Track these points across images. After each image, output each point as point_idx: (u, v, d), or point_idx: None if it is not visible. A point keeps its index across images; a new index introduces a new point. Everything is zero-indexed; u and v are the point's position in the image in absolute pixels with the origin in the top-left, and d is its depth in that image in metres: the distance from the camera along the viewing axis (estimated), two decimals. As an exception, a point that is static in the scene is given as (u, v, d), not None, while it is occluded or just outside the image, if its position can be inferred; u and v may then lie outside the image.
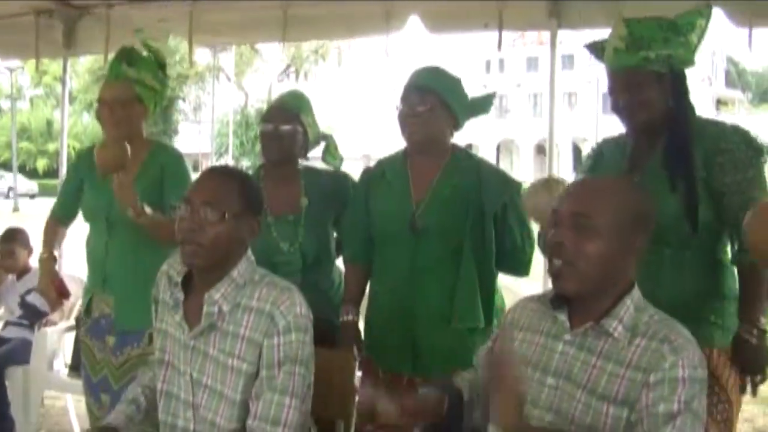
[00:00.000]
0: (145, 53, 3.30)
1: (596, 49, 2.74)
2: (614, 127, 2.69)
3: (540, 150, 44.26)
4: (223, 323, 2.11)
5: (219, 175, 2.23)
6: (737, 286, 2.51)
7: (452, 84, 2.90)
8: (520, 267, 2.99)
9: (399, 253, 2.88)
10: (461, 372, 2.16)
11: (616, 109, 2.58)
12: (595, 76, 43.70)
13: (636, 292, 1.86)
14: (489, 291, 2.90)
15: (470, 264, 2.82)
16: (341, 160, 3.39)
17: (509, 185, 2.89)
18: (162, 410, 2.22)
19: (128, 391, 2.37)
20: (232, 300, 2.12)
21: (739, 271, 2.52)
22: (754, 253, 1.87)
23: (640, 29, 2.54)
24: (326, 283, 3.22)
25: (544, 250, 2.02)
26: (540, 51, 46.47)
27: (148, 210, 2.95)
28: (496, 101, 3.02)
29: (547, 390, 1.84)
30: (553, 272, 1.85)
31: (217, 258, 2.11)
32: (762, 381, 2.48)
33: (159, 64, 3.33)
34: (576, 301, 1.86)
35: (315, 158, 3.34)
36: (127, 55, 3.26)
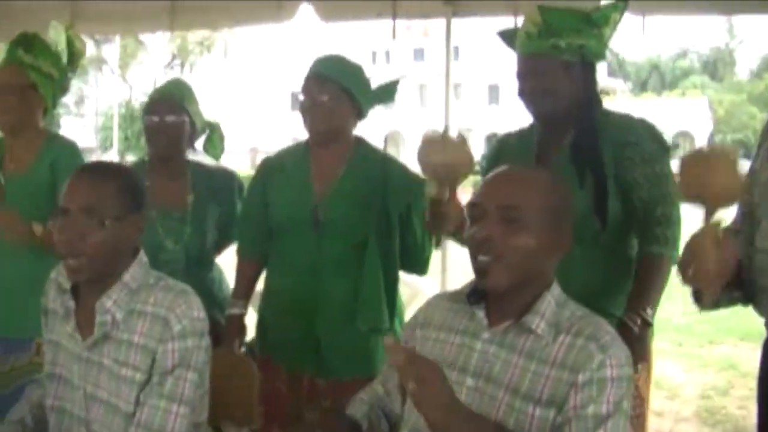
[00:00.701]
0: (59, 40, 3.10)
1: (508, 36, 2.70)
2: (500, 118, 2.66)
3: (427, 140, 44.66)
4: (117, 331, 1.96)
5: (93, 176, 2.03)
6: None
7: (354, 72, 2.80)
8: (419, 265, 2.93)
9: (300, 248, 2.79)
10: (359, 394, 2.04)
11: (522, 95, 2.55)
12: (481, 67, 44.82)
13: (556, 288, 1.80)
14: (393, 290, 2.83)
15: (375, 261, 2.75)
16: (222, 151, 3.29)
17: (414, 183, 2.81)
18: (53, 428, 2.05)
19: (14, 411, 2.18)
20: (126, 306, 1.97)
21: (638, 260, 2.50)
22: (689, 193, 1.86)
23: (554, 17, 2.51)
24: (208, 281, 3.11)
25: (462, 242, 1.96)
26: (426, 42, 46.96)
27: (37, 229, 2.81)
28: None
29: (466, 391, 1.74)
30: (479, 268, 1.76)
31: (104, 266, 1.95)
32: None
33: (71, 54, 3.13)
34: (495, 297, 1.78)
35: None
36: (26, 41, 3.04)
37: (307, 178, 2.81)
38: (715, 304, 1.95)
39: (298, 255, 2.79)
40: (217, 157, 3.29)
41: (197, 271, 3.02)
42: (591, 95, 2.55)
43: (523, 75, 2.54)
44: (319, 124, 2.76)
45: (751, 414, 5.21)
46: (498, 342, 1.75)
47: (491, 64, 43.64)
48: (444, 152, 2.41)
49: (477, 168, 2.60)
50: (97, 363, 1.97)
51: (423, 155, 2.45)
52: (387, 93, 2.89)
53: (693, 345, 6.99)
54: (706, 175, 1.79)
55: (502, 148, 2.77)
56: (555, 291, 1.79)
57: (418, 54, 48.86)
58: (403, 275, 2.91)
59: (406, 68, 47.56)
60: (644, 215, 2.46)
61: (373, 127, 3.07)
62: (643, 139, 2.49)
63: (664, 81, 65.34)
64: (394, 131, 46.26)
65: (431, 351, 1.83)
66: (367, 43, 44.61)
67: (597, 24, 2.52)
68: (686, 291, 2.23)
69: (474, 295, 1.82)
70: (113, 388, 1.95)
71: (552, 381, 1.66)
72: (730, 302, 1.97)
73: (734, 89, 57.19)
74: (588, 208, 2.42)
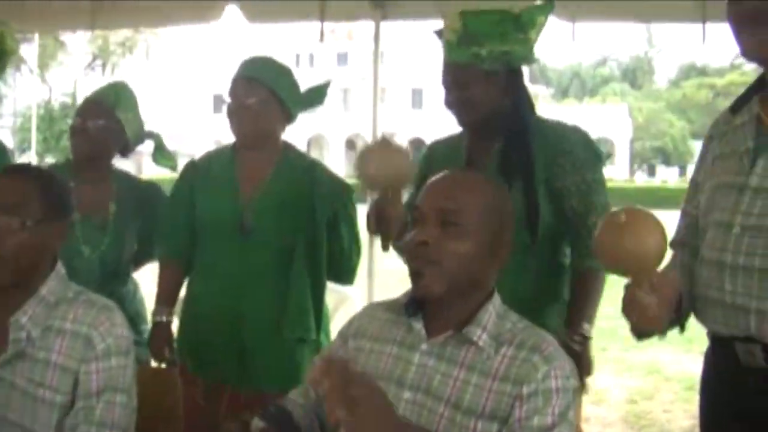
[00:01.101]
0: None
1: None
2: (424, 122, 2.61)
3: (350, 145, 44.74)
4: (33, 349, 1.84)
5: (15, 176, 1.93)
6: None
7: (283, 75, 2.73)
8: (346, 274, 2.86)
9: (226, 254, 2.70)
10: (289, 395, 1.95)
11: (447, 104, 2.50)
12: (405, 72, 45.00)
13: (497, 299, 1.75)
14: (319, 299, 2.76)
15: (302, 270, 2.68)
16: (175, 160, 3.16)
17: (343, 190, 2.75)
18: None
19: None
20: (42, 322, 1.85)
21: (573, 274, 2.48)
22: (605, 260, 1.78)
23: (476, 23, 2.42)
24: (121, 293, 2.98)
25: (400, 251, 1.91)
26: (350, 46, 46.96)
27: None
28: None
29: (404, 405, 1.67)
30: (415, 273, 1.70)
31: (22, 272, 1.84)
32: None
33: (1, 53, 3.04)
34: (434, 307, 1.72)
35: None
36: None
37: (234, 182, 2.73)
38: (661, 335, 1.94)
39: (223, 261, 2.71)
40: (173, 168, 3.15)
41: (111, 283, 2.91)
42: (520, 101, 2.50)
43: (446, 84, 2.49)
44: (246, 127, 2.68)
45: (676, 418, 5.30)
46: (437, 354, 1.69)
47: (415, 68, 43.93)
48: (385, 162, 2.33)
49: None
50: (9, 383, 1.85)
51: (364, 165, 2.36)
52: (316, 96, 2.83)
53: (618, 349, 7.08)
54: (624, 247, 1.68)
55: (432, 155, 2.72)
56: (496, 302, 1.74)
57: (342, 58, 48.83)
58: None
59: (330, 72, 47.49)
60: (577, 225, 2.44)
61: (296, 131, 2.99)
62: (576, 147, 2.45)
63: (585, 88, 66.67)
64: (317, 135, 46.16)
65: (365, 363, 1.76)
66: (291, 46, 44.41)
67: (523, 27, 2.44)
68: (610, 295, 2.23)
69: (412, 305, 1.76)
70: (28, 410, 1.83)
71: (494, 394, 1.60)
72: (671, 326, 1.96)
73: (653, 97, 58.62)
74: (518, 218, 2.39)
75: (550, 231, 2.45)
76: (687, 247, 2.00)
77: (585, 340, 2.40)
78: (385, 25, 4.13)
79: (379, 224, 2.37)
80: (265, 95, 2.66)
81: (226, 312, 2.68)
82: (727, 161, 1.90)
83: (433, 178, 1.80)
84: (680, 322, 1.94)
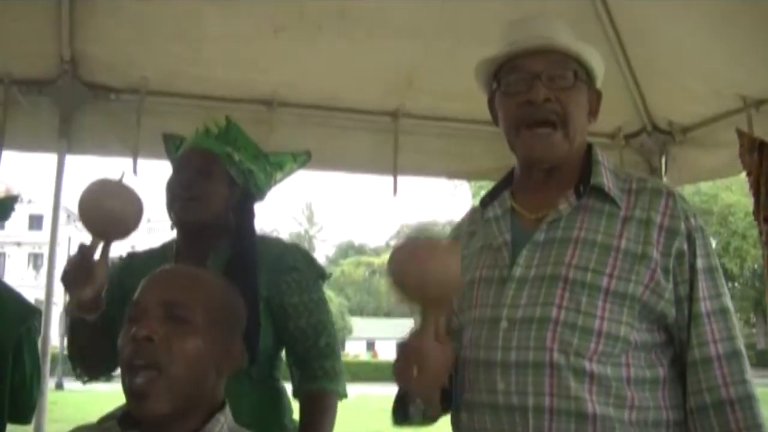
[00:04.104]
0: None
1: (173, 141, 2.55)
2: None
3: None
4: None
5: None
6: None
7: None
8: (24, 413, 2.52)
9: None
10: None
11: (175, 195, 2.35)
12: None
13: (229, 412, 1.57)
14: None
15: None
16: None
17: (29, 311, 2.43)
18: None
19: None
20: None
21: (302, 399, 2.37)
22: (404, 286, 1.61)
23: (238, 132, 2.46)
24: None
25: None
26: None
27: None
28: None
29: None
30: (136, 391, 1.47)
31: None
32: None
33: None
34: (157, 420, 1.50)
35: None
36: None
37: None
38: (422, 414, 1.82)
39: None
40: None
41: None
42: (248, 223, 2.44)
43: (186, 173, 2.37)
44: None
45: None
46: None
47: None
48: (118, 200, 2.06)
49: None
50: None
51: (93, 200, 2.06)
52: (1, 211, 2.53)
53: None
54: (416, 274, 1.57)
55: (132, 264, 2.51)
56: (228, 415, 1.56)
57: None
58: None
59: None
60: (305, 345, 2.34)
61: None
62: (300, 264, 2.41)
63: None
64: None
65: None
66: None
67: (271, 164, 2.51)
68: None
69: (126, 420, 1.53)
70: None
71: None
72: (437, 415, 1.85)
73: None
74: None
75: (268, 354, 2.32)
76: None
77: None
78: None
79: (75, 277, 2.07)
80: None
81: None
82: (482, 256, 1.89)
83: (155, 272, 1.62)
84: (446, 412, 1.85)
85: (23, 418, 2.55)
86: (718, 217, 35.18)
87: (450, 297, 1.64)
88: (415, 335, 1.63)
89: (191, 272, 1.69)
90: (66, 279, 2.07)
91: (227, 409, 1.59)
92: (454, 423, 1.87)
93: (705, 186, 34.67)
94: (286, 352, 2.40)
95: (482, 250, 1.91)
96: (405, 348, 1.64)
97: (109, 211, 2.04)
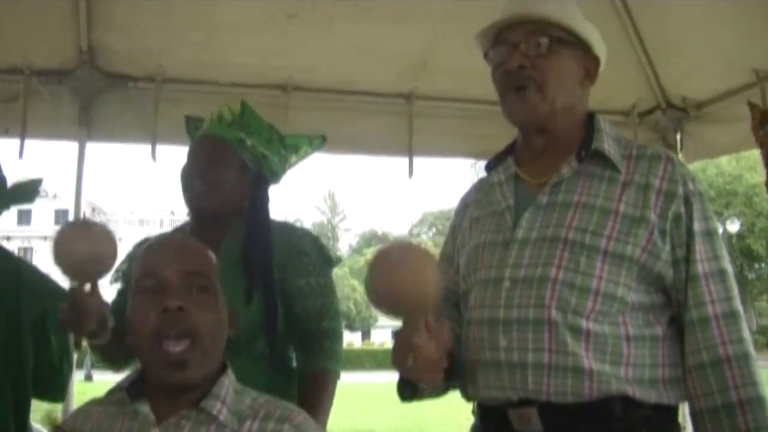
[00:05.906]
0: None
1: (194, 123, 2.63)
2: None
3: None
4: None
5: None
6: None
7: None
8: (54, 391, 2.56)
9: None
10: None
11: (188, 183, 2.41)
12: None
13: (231, 374, 1.63)
14: (23, 419, 2.42)
15: (3, 384, 2.35)
16: None
17: (55, 291, 2.49)
18: None
19: None
20: None
21: (303, 376, 2.41)
22: (381, 300, 1.62)
23: (252, 116, 2.47)
24: None
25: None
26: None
27: None
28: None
29: None
30: (175, 357, 1.52)
31: None
32: None
33: None
34: (188, 386, 1.56)
35: None
36: None
37: None
38: (432, 392, 1.86)
39: None
40: None
41: None
42: (262, 208, 2.47)
43: (198, 160, 2.42)
44: None
45: None
46: None
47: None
48: (87, 242, 2.04)
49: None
50: None
51: (63, 248, 2.05)
52: (27, 193, 2.58)
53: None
54: (391, 293, 1.60)
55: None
56: (231, 376, 1.62)
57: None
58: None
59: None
60: (308, 327, 2.39)
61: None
62: (309, 249, 2.45)
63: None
64: None
65: None
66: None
67: (287, 148, 2.53)
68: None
69: (136, 386, 1.59)
70: None
71: None
72: (447, 385, 1.89)
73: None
74: (256, 324, 2.30)
75: (281, 336, 2.38)
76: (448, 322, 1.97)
77: None
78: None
79: (71, 317, 2.07)
80: None
81: None
82: (487, 222, 1.94)
83: (156, 244, 1.68)
84: (453, 385, 1.90)
85: (54, 396, 2.58)
86: (743, 197, 34.83)
87: (431, 301, 1.63)
88: (405, 333, 1.65)
89: (197, 243, 1.75)
90: (64, 322, 2.08)
91: (229, 371, 1.64)
92: (461, 386, 1.93)
93: (729, 167, 34.44)
94: (290, 333, 2.45)
95: (487, 216, 1.97)
96: (397, 340, 1.68)
97: (76, 255, 2.02)
